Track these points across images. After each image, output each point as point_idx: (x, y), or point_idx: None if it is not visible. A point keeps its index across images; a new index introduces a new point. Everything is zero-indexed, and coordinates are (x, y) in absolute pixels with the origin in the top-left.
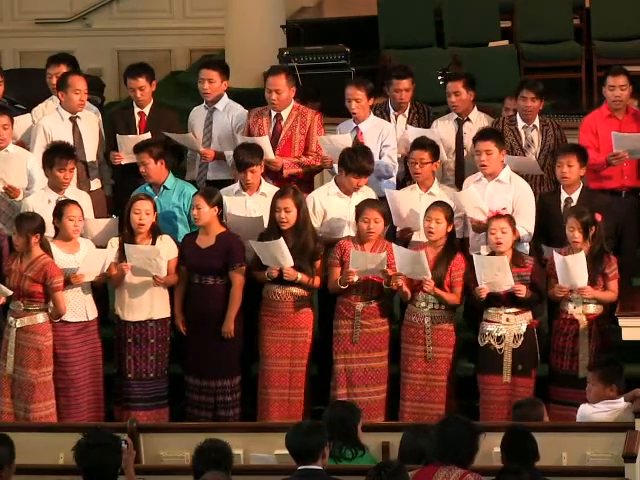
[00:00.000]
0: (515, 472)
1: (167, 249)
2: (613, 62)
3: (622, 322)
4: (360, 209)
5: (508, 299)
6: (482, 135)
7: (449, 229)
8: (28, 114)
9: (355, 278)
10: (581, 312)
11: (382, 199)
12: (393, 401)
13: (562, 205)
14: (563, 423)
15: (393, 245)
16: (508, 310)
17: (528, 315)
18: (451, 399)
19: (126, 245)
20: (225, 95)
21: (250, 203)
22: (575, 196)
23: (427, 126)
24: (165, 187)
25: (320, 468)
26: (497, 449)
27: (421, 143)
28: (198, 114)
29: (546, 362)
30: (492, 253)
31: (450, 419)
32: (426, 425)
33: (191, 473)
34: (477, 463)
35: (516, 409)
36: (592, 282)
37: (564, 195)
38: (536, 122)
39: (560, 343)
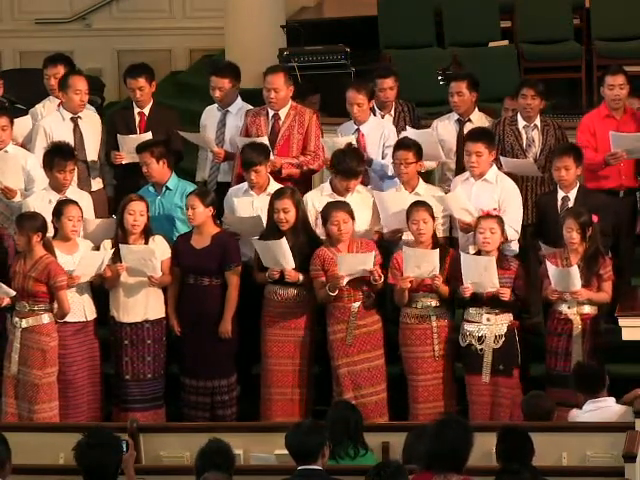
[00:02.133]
0: (515, 472)
1: (160, 249)
2: (613, 62)
3: (622, 322)
4: (327, 213)
5: (489, 300)
6: (472, 136)
7: (434, 226)
8: (27, 116)
9: (344, 281)
10: (575, 312)
11: None
12: (395, 402)
13: (559, 204)
14: (563, 423)
15: (403, 247)
16: (490, 310)
17: (509, 316)
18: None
19: (121, 246)
20: (239, 98)
21: (257, 203)
22: (572, 195)
23: (413, 123)
24: (167, 187)
25: (320, 468)
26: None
27: (404, 143)
28: (211, 115)
29: (543, 362)
30: (478, 252)
31: (447, 421)
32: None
33: (191, 473)
34: (477, 463)
35: (530, 399)
36: (586, 283)
37: (561, 194)
38: (537, 122)
39: (554, 344)
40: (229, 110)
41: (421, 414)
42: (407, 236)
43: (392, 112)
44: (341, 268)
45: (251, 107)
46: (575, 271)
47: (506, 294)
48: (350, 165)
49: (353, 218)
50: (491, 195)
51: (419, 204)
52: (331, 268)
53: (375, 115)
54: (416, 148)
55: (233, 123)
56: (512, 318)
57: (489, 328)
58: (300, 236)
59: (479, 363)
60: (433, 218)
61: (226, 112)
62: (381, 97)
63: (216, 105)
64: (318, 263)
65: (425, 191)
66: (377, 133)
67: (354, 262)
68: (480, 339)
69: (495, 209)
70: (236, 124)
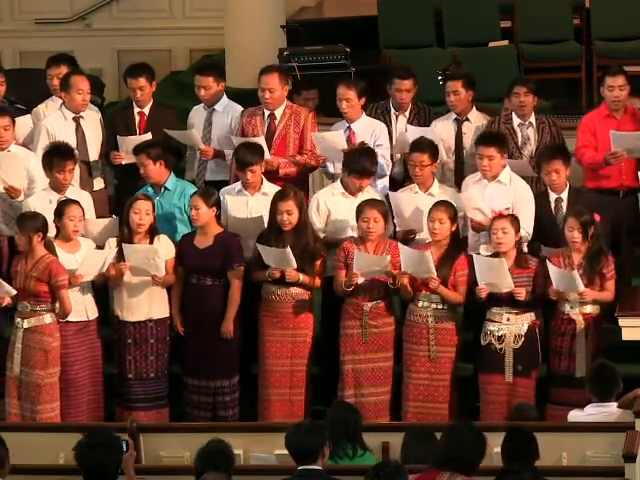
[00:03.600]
0: (516, 472)
1: (164, 249)
2: (613, 62)
3: (622, 322)
4: (360, 209)
5: (509, 299)
6: (485, 140)
7: (453, 228)
8: (28, 115)
9: (359, 280)
10: (578, 312)
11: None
12: (395, 401)
13: (553, 205)
14: (563, 423)
15: (399, 244)
16: (509, 310)
17: (530, 316)
18: (453, 399)
19: (124, 245)
20: (224, 96)
21: (252, 203)
22: (564, 195)
23: (428, 126)
24: (166, 188)
25: (320, 468)
26: (497, 449)
27: (420, 145)
28: (197, 114)
29: (544, 362)
30: (496, 253)
31: (461, 426)
32: (428, 426)
33: (191, 473)
34: None
35: (515, 411)
36: (590, 282)
37: (553, 196)
38: (532, 119)
39: (558, 343)
40: (215, 108)
41: (410, 412)
42: (419, 235)
43: (407, 113)
44: (356, 265)
45: (238, 105)
46: (576, 275)
47: (521, 294)
48: (364, 164)
49: (386, 219)
50: (505, 196)
51: (440, 204)
52: (352, 263)
53: (390, 115)
54: (431, 150)
55: (219, 121)
56: (534, 318)
57: (509, 328)
58: (301, 237)
59: (499, 363)
60: (451, 220)
61: (212, 110)
62: (397, 98)
63: (202, 105)
64: (342, 256)
65: (439, 191)
66: (368, 132)
67: (369, 262)
68: (500, 339)
69: (507, 209)
70: (222, 122)
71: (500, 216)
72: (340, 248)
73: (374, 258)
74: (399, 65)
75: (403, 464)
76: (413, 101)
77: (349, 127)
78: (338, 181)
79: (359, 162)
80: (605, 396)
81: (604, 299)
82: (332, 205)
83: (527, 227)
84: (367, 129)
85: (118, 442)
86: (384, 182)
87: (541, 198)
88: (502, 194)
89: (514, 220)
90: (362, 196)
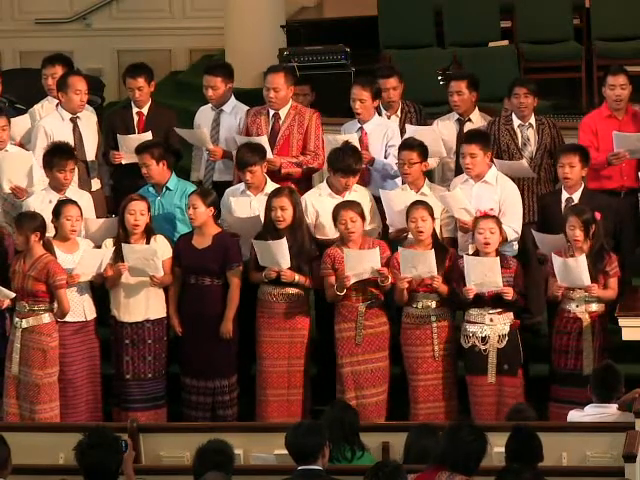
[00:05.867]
0: (516, 472)
1: (161, 249)
2: (613, 62)
3: (622, 322)
4: (335, 213)
5: (491, 300)
6: (467, 138)
7: (433, 225)
8: (26, 115)
9: (351, 281)
10: (584, 310)
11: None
12: (396, 402)
13: (563, 205)
14: (563, 423)
15: (399, 248)
16: (492, 311)
17: (510, 315)
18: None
19: (123, 245)
20: (232, 97)
21: (255, 203)
22: (576, 196)
23: (420, 124)
24: (167, 188)
25: (320, 468)
26: (497, 449)
27: (409, 144)
28: (205, 115)
29: (546, 361)
30: (476, 252)
31: (461, 425)
32: (431, 424)
33: (191, 473)
34: None
35: (513, 413)
36: (593, 280)
37: (565, 195)
38: (532, 120)
39: (563, 342)
40: (223, 109)
41: (421, 414)
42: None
43: (399, 113)
44: (347, 265)
45: (245, 106)
46: (583, 260)
47: (509, 293)
48: (348, 162)
49: (363, 218)
50: (491, 196)
51: (418, 203)
52: (341, 267)
53: (381, 116)
54: (420, 148)
55: (227, 122)
56: (513, 317)
57: (492, 328)
58: (297, 235)
59: (483, 364)
60: (432, 217)
61: (220, 111)
62: (385, 97)
63: (210, 105)
64: (329, 262)
65: (431, 191)
66: (380, 132)
67: (360, 259)
68: (484, 340)
69: (492, 209)
70: (230, 123)
71: (486, 216)
72: (325, 255)
73: (364, 253)
74: (381, 65)
75: (405, 462)
76: (403, 100)
77: (361, 128)
78: (324, 182)
79: (343, 160)
80: (606, 397)
81: (607, 297)
82: (320, 206)
83: (515, 227)
84: (379, 129)
85: (118, 442)
86: (397, 182)
87: (552, 197)
88: (489, 194)
89: (498, 221)
90: (350, 195)
